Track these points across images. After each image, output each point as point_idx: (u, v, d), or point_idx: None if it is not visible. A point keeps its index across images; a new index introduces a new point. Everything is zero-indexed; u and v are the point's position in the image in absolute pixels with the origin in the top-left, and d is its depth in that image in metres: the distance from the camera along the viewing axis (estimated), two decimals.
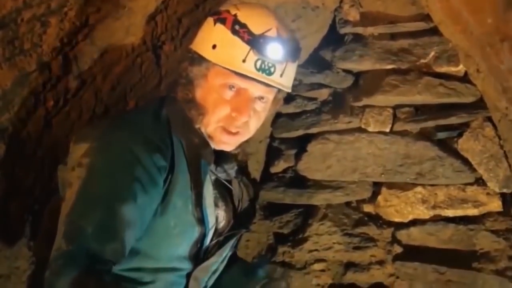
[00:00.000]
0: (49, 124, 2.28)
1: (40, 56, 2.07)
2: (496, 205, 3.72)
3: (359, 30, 3.74)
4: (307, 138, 3.94)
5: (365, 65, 3.77)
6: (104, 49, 2.35)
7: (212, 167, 2.17)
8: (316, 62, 3.73)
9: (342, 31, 3.77)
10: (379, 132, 3.80)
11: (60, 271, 1.75)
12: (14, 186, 2.20)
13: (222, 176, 2.24)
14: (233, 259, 2.50)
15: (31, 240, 2.36)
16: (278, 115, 3.87)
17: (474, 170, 3.69)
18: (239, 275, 2.49)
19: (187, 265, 2.13)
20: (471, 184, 3.75)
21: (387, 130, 3.79)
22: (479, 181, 3.73)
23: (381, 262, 3.92)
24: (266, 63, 1.95)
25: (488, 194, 3.72)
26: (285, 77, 2.03)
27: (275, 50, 1.95)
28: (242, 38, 1.94)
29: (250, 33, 1.95)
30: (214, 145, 2.12)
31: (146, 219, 1.94)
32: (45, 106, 2.22)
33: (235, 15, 1.98)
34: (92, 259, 1.78)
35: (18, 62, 1.99)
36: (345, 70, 3.82)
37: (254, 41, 1.94)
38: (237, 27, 1.96)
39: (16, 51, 1.96)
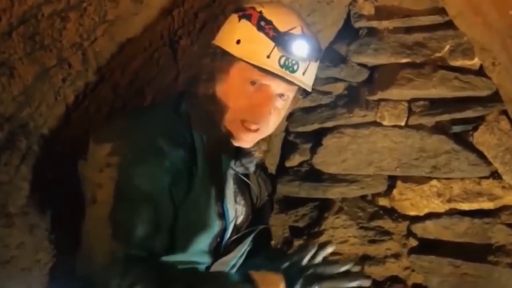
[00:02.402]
0: (69, 119, 2.29)
1: (60, 51, 2.08)
2: (511, 198, 3.72)
3: (374, 24, 3.74)
4: (322, 132, 3.94)
5: (380, 59, 3.76)
6: (122, 44, 2.36)
7: (232, 162, 2.19)
8: (331, 56, 3.73)
9: (357, 25, 3.76)
10: (394, 126, 3.80)
11: (127, 275, 1.78)
12: (34, 180, 2.22)
13: (240, 171, 2.26)
14: (253, 252, 2.52)
15: (51, 233, 2.38)
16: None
17: (489, 163, 3.69)
18: (261, 259, 2.49)
19: (206, 259, 2.15)
20: (486, 177, 3.75)
21: (402, 123, 3.79)
22: (495, 175, 3.73)
23: (396, 256, 3.93)
24: (290, 60, 1.97)
25: (503, 187, 3.72)
26: (307, 76, 2.04)
27: (299, 48, 1.96)
28: (267, 34, 1.96)
29: (275, 29, 1.96)
30: (233, 141, 2.13)
31: (176, 212, 1.97)
32: (64, 101, 2.23)
33: (260, 12, 2.00)
34: (149, 256, 1.84)
35: (38, 57, 2.01)
36: (360, 64, 3.82)
37: (279, 38, 1.96)
38: (262, 23, 1.97)
39: (37, 47, 1.97)
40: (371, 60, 3.80)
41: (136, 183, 1.89)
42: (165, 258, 2.03)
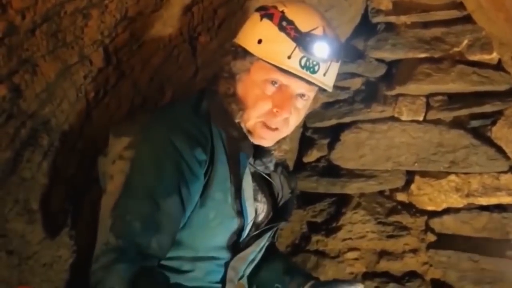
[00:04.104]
0: (90, 116, 2.30)
1: (82, 48, 2.09)
2: None
3: (392, 19, 3.75)
4: (340, 128, 3.95)
5: (398, 54, 3.77)
6: (142, 40, 2.37)
7: (251, 160, 2.19)
8: (348, 52, 3.72)
9: (375, 20, 3.77)
10: (412, 121, 3.82)
11: (110, 266, 1.80)
12: (56, 176, 2.23)
13: (261, 169, 2.26)
14: (273, 251, 2.53)
15: (72, 229, 2.39)
16: None
17: (508, 158, 3.69)
18: (280, 271, 2.51)
19: (225, 255, 2.15)
20: (505, 172, 3.75)
21: (421, 118, 3.80)
22: None
23: (414, 251, 3.94)
24: (311, 61, 1.96)
25: None
26: (328, 76, 2.04)
27: (320, 49, 1.96)
28: (288, 34, 1.96)
29: (297, 30, 1.96)
30: (253, 140, 2.14)
31: (187, 212, 1.97)
32: (86, 97, 2.24)
33: (282, 12, 1.99)
34: (141, 255, 1.83)
35: (60, 55, 2.02)
36: (377, 59, 3.83)
37: (300, 39, 1.95)
38: (284, 23, 1.97)
39: (59, 44, 1.98)
40: (389, 55, 3.80)
41: (144, 180, 1.91)
42: (185, 254, 2.07)
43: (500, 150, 3.70)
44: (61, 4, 1.88)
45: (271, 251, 2.49)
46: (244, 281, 2.43)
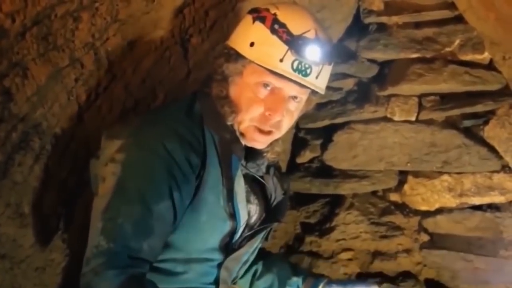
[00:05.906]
0: (81, 119, 2.30)
1: (73, 51, 2.09)
2: None
3: (384, 19, 3.75)
4: (333, 128, 3.95)
5: (390, 54, 3.77)
6: (134, 43, 2.36)
7: (243, 162, 2.19)
8: (341, 52, 3.71)
9: (366, 20, 3.77)
10: (405, 121, 3.82)
11: (101, 271, 1.77)
12: (48, 180, 2.23)
13: (253, 171, 2.26)
14: (268, 255, 2.56)
15: (65, 232, 2.38)
16: None
17: (500, 157, 3.70)
18: (289, 273, 2.59)
19: (218, 256, 2.15)
20: (497, 171, 3.76)
21: (413, 119, 3.80)
22: (506, 169, 3.74)
23: (408, 251, 3.95)
24: (303, 64, 1.97)
25: None
26: (320, 79, 2.04)
27: (312, 52, 1.96)
28: (280, 37, 1.96)
29: (289, 33, 1.96)
30: (246, 142, 2.14)
31: (179, 216, 1.96)
32: (77, 100, 2.24)
33: (274, 14, 2.00)
34: (131, 260, 1.82)
35: (51, 58, 2.01)
36: (370, 60, 3.83)
37: (292, 42, 1.96)
38: (276, 26, 1.97)
39: (50, 47, 1.98)
40: (381, 56, 3.80)
41: (136, 183, 1.89)
42: (178, 256, 2.06)
43: (492, 149, 3.70)
44: (52, 7, 1.87)
45: (266, 256, 2.53)
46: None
